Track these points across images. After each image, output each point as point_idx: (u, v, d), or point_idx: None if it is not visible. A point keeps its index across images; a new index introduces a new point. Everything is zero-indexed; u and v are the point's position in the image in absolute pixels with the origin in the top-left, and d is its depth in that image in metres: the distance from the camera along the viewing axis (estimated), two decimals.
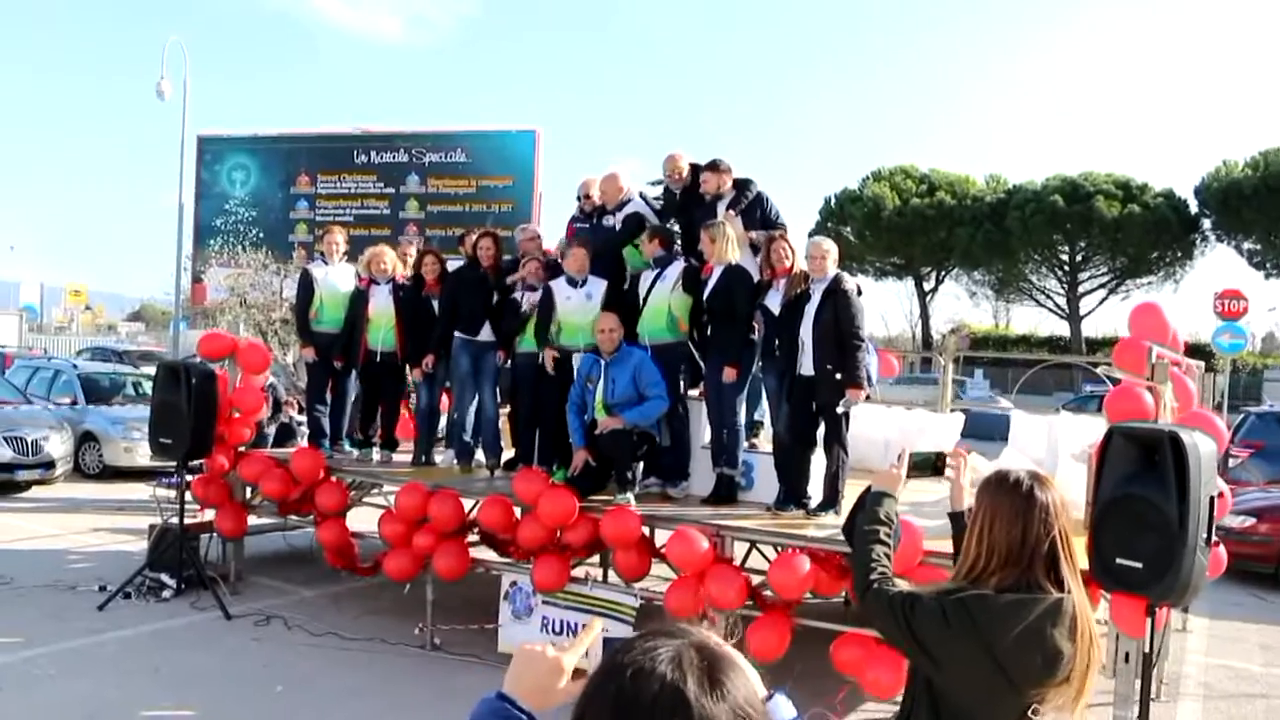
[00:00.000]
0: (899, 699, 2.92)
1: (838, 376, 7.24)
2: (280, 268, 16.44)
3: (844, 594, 7.52)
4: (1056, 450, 9.15)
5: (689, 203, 8.81)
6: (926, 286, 56.38)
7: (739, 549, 7.67)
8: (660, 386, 7.77)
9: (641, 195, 9.25)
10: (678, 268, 8.18)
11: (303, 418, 12.20)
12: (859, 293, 7.51)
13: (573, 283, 8.56)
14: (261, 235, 16.77)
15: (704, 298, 7.97)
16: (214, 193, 17.26)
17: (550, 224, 14.21)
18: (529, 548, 7.72)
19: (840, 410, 7.32)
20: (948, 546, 6.28)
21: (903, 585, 2.78)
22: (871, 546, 2.89)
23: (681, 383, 8.27)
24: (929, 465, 3.29)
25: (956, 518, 3.21)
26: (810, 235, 40.64)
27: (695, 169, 8.81)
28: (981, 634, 2.51)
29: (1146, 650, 5.39)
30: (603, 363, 7.89)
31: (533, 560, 7.70)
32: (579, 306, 8.47)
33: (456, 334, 9.17)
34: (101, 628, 8.35)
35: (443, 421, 10.10)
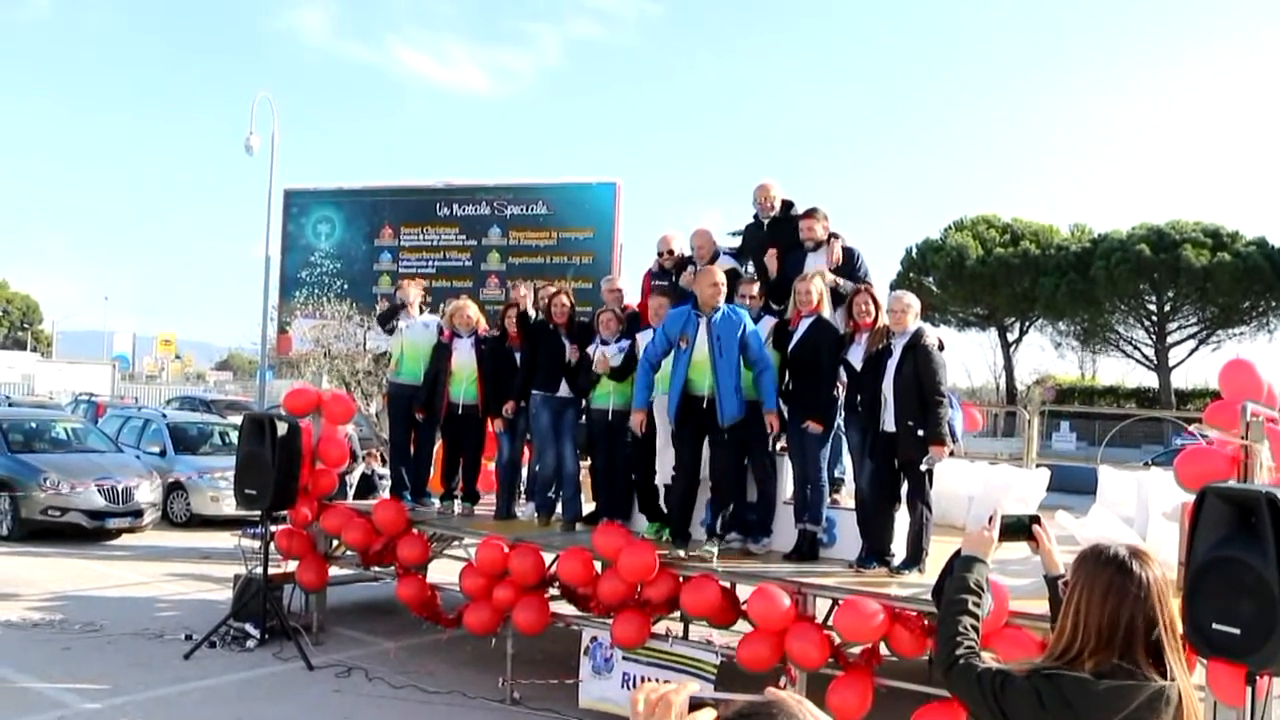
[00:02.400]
0: None
1: (920, 433, 7.13)
2: (364, 319, 16.63)
3: (929, 654, 7.36)
4: (1147, 507, 8.90)
5: (772, 238, 8.74)
6: (1010, 337, 55.56)
7: (822, 607, 7.55)
8: (767, 358, 7.65)
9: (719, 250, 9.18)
10: (768, 324, 8.11)
11: (385, 470, 12.30)
12: (941, 347, 7.40)
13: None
14: (346, 287, 16.97)
15: (789, 349, 7.88)
16: (299, 245, 17.52)
17: (632, 276, 14.26)
18: (609, 603, 7.66)
19: (923, 468, 7.20)
20: (1035, 607, 6.18)
21: (990, 661, 2.66)
22: (959, 617, 2.77)
23: (769, 439, 8.16)
24: (1022, 528, 3.14)
25: (1052, 583, 3.08)
26: (892, 286, 40.41)
27: (786, 204, 8.75)
28: None
29: None
30: (703, 319, 7.60)
31: (613, 616, 7.65)
32: None
33: (535, 391, 9.19)
34: (187, 676, 8.44)
35: (524, 474, 10.13)
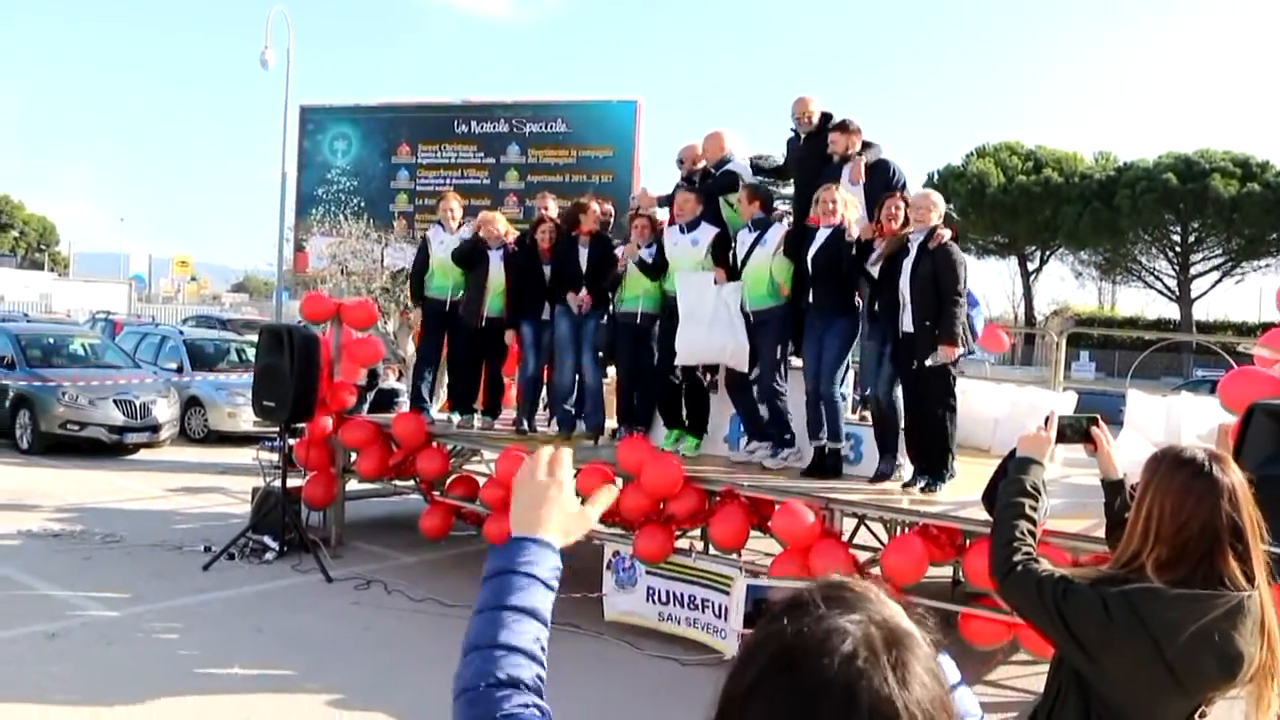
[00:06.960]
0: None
1: (936, 332, 6.95)
2: (381, 236, 16.51)
3: (954, 570, 7.26)
4: (1178, 432, 8.76)
5: (811, 153, 8.53)
6: (1030, 266, 55.13)
7: (848, 525, 7.45)
8: None
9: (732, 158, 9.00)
10: (778, 231, 7.89)
11: (402, 384, 12.20)
12: (955, 238, 7.18)
13: (681, 229, 8.38)
14: (362, 205, 16.83)
15: (810, 255, 7.62)
16: (316, 162, 17.37)
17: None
18: (632, 518, 7.56)
19: (929, 363, 6.94)
20: (1068, 526, 6.05)
21: (1049, 567, 2.49)
22: (1016, 521, 2.60)
23: (779, 349, 8.00)
24: (1079, 430, 2.91)
25: (1111, 487, 2.88)
26: None
27: (825, 116, 8.55)
28: (1149, 632, 2.24)
29: None
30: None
31: (635, 530, 7.55)
32: (685, 252, 8.27)
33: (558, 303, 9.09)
34: (206, 587, 8.43)
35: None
